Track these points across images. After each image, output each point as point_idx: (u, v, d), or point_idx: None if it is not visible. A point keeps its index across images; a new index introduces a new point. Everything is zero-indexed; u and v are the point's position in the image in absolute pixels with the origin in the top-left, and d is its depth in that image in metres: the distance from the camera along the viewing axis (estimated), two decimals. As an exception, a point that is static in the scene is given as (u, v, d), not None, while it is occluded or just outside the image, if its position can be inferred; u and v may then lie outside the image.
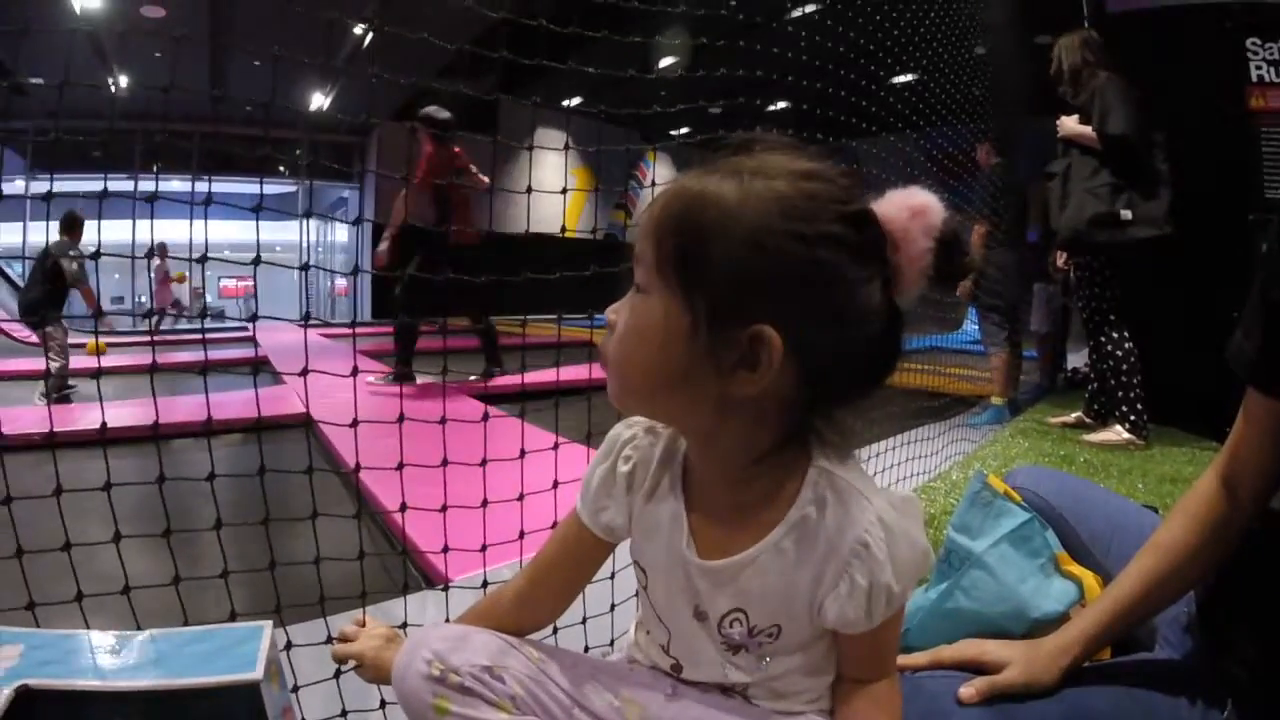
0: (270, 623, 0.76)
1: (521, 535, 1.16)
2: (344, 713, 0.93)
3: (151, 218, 0.95)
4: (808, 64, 1.99)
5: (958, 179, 3.76)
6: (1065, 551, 0.98)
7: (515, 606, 0.74)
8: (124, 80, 9.68)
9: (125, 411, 3.28)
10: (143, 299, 11.73)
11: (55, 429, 2.14)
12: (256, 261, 1.06)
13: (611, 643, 1.08)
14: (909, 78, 3.72)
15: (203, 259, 0.97)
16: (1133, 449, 2.69)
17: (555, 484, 1.19)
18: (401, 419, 1.08)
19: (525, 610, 0.74)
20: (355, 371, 1.09)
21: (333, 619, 1.01)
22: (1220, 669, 0.75)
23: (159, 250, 9.58)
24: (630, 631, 0.77)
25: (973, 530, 0.97)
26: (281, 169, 12.85)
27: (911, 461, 2.24)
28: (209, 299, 14.43)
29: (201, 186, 1.07)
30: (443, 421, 1.14)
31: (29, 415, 3.56)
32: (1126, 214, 2.64)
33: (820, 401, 0.57)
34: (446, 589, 1.16)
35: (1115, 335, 2.77)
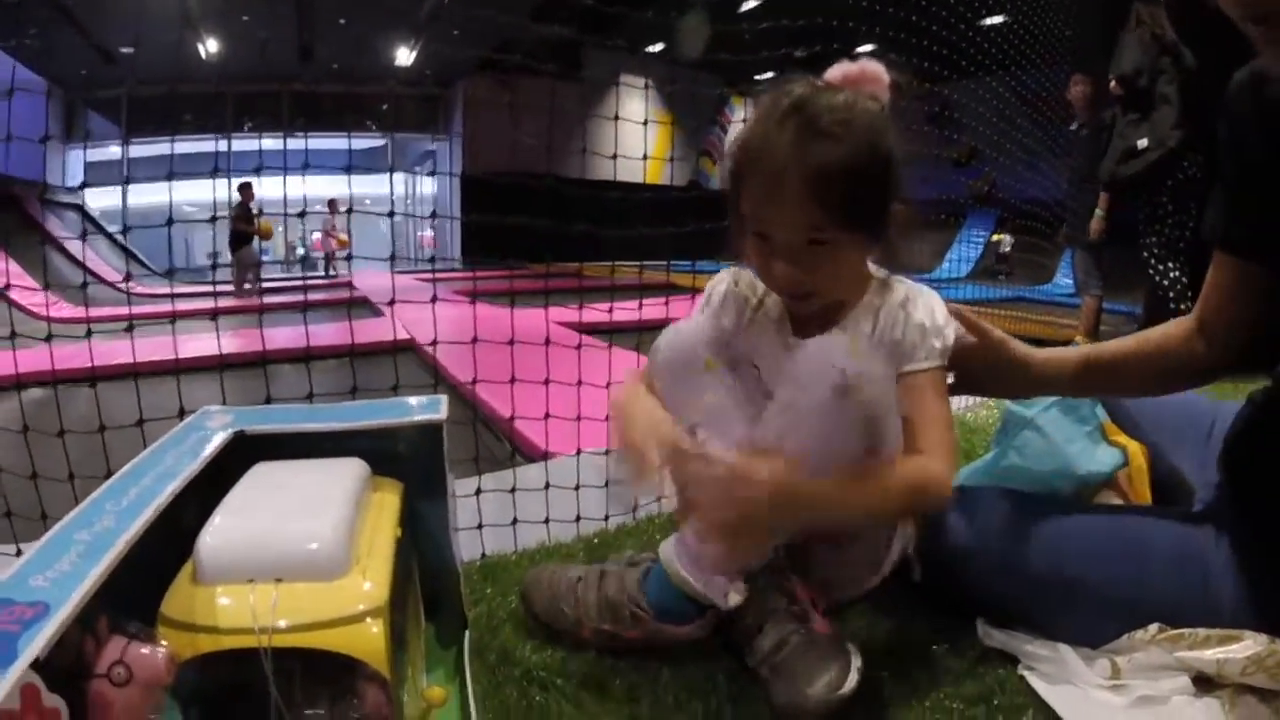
0: (446, 396, 0.87)
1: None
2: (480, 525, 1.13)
3: (304, 173, 1.13)
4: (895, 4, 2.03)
5: (1059, 122, 3.77)
6: (1114, 425, 1.08)
7: None
8: (213, 45, 10.02)
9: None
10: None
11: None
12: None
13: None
14: (998, 19, 3.66)
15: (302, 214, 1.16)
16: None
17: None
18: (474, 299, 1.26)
19: None
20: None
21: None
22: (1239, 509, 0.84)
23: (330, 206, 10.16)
24: None
25: (1027, 400, 1.08)
26: (370, 124, 13.26)
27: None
28: (300, 251, 15.14)
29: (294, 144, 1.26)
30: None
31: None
32: (1142, 143, 2.76)
33: None
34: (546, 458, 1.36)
35: (1162, 268, 2.88)
